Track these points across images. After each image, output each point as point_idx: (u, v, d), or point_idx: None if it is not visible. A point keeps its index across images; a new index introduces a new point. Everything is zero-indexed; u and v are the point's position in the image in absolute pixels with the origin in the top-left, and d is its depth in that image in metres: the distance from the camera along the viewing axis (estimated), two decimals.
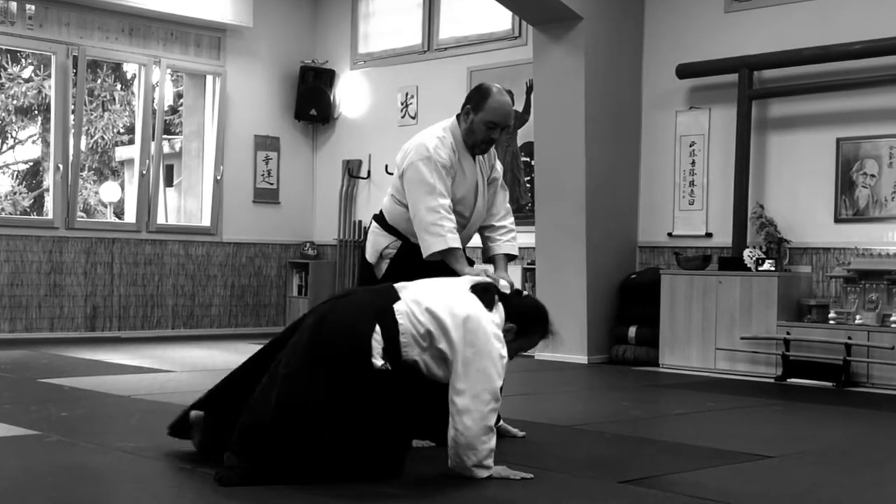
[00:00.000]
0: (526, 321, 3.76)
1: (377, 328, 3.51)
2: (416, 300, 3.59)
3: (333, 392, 3.47)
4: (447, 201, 4.09)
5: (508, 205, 4.50)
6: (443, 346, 3.51)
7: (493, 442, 3.51)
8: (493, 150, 4.42)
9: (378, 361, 3.49)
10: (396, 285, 3.72)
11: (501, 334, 3.59)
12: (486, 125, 4.16)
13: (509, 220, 4.44)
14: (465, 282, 3.75)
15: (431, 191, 4.06)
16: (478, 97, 4.19)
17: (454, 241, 4.05)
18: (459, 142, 4.21)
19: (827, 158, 7.42)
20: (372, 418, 3.49)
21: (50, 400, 5.33)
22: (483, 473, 3.50)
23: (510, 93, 8.64)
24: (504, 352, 3.55)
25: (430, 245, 4.05)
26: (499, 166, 4.47)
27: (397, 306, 3.57)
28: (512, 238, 4.39)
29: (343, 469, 3.50)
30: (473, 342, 3.49)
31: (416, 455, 3.86)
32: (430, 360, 3.55)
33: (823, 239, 7.42)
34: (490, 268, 4.26)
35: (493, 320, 3.58)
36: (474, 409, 3.45)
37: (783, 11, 7.67)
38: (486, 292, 3.65)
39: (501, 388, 3.58)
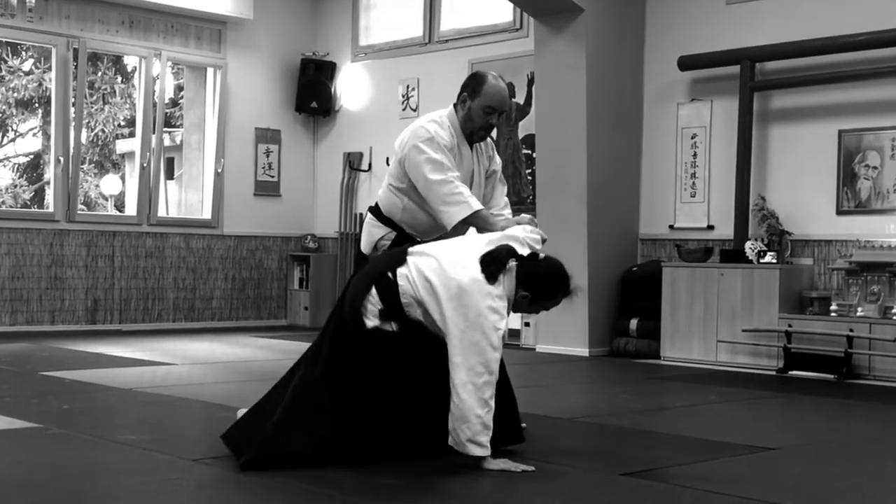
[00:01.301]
0: (540, 289, 3.69)
1: (373, 290, 3.60)
2: (418, 266, 3.62)
3: (335, 359, 3.60)
4: (456, 173, 4.05)
5: (507, 199, 4.47)
6: (436, 317, 3.54)
7: (488, 417, 3.49)
8: (491, 142, 4.41)
9: (371, 322, 3.57)
10: (411, 249, 3.74)
11: (500, 305, 3.53)
12: (483, 110, 4.15)
13: (507, 212, 4.40)
14: (478, 248, 3.66)
15: (439, 166, 4.01)
16: (474, 84, 4.18)
17: (476, 203, 4.01)
18: (457, 129, 4.19)
19: (829, 150, 7.41)
20: (368, 380, 3.58)
21: (51, 393, 5.33)
22: (477, 451, 3.48)
23: (511, 85, 8.63)
24: (501, 324, 3.51)
25: (453, 215, 3.97)
26: (498, 159, 4.44)
27: (400, 269, 3.63)
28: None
29: (339, 439, 3.56)
30: (466, 315, 3.48)
31: (414, 447, 3.86)
32: (432, 324, 3.59)
33: (825, 231, 7.41)
34: (526, 218, 4.09)
35: (490, 292, 3.52)
36: (469, 381, 3.46)
37: (785, 3, 7.65)
38: (492, 264, 3.59)
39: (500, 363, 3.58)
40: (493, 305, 3.51)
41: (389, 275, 3.62)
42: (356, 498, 3.22)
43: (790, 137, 7.64)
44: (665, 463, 3.84)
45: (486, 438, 3.49)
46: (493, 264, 3.58)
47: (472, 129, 4.18)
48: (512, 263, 3.63)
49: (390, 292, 3.59)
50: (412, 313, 3.60)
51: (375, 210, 4.33)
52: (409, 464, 3.66)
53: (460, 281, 3.52)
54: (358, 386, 3.61)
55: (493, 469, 3.54)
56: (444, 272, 3.55)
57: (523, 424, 4.42)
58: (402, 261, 3.67)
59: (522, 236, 3.77)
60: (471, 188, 4.21)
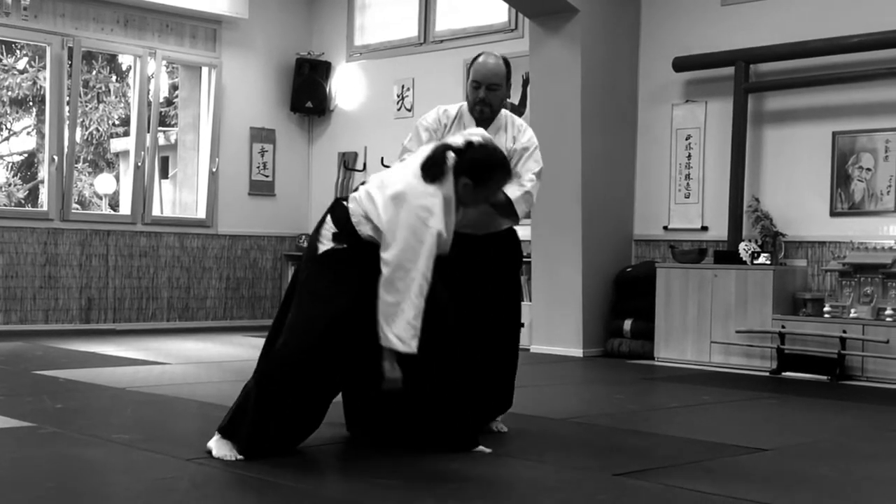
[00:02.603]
0: (478, 172, 3.75)
1: (328, 217, 3.82)
2: (367, 187, 3.80)
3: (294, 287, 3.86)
4: (409, 151, 4.27)
5: (533, 175, 4.27)
6: (377, 223, 3.66)
7: (411, 314, 3.54)
8: (518, 123, 4.43)
9: (324, 245, 3.76)
10: (370, 177, 3.97)
11: (432, 202, 3.61)
12: (472, 86, 4.34)
13: (526, 178, 4.24)
14: (418, 158, 3.81)
15: (401, 152, 4.33)
16: (470, 65, 4.42)
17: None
18: (465, 112, 4.37)
19: (823, 152, 7.43)
20: (318, 295, 3.73)
21: (45, 392, 5.32)
22: (400, 346, 3.53)
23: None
24: (431, 221, 3.58)
25: None
26: (524, 139, 4.37)
27: (353, 193, 3.83)
28: (519, 190, 4.17)
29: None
30: (398, 213, 3.60)
31: (408, 447, 3.86)
32: (379, 235, 3.70)
33: (819, 232, 7.43)
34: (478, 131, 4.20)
35: (425, 191, 3.63)
36: (395, 277, 3.55)
37: (780, 4, 7.67)
38: (433, 166, 3.70)
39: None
40: (425, 203, 3.61)
41: (344, 202, 3.82)
42: (350, 497, 3.22)
43: (784, 139, 7.65)
44: (659, 463, 3.85)
45: (408, 335, 3.54)
46: (433, 166, 3.69)
47: (471, 108, 4.34)
48: (451, 159, 3.71)
49: (342, 214, 3.77)
50: (363, 230, 3.72)
51: None
52: (404, 463, 3.66)
53: (397, 187, 3.66)
54: (316, 305, 3.71)
55: (397, 376, 3.58)
56: (384, 184, 3.72)
57: (504, 429, 4.40)
58: (356, 189, 3.90)
59: (462, 139, 3.91)
60: None
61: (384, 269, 3.57)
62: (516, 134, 4.40)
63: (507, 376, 4.39)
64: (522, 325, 4.82)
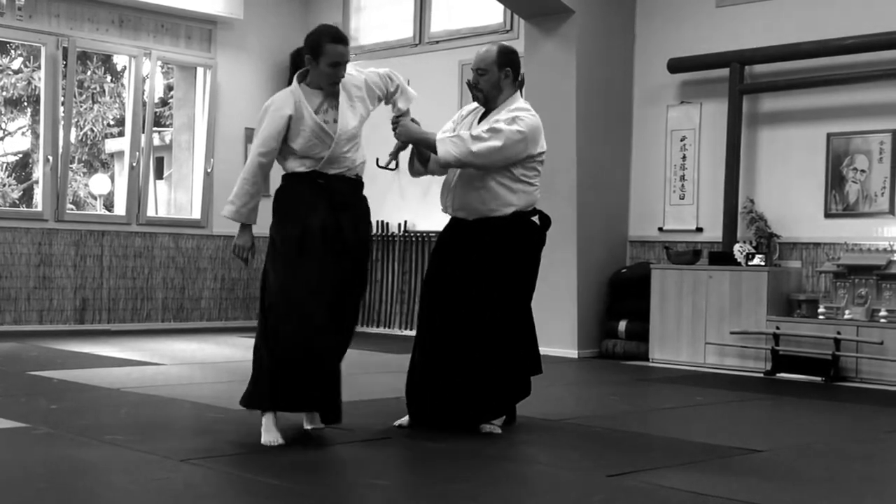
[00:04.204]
0: (312, 46, 4.18)
1: None
2: None
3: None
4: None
5: (479, 130, 4.52)
6: None
7: (240, 191, 4.33)
8: (515, 104, 4.63)
9: None
10: None
11: (276, 96, 4.19)
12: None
13: (473, 130, 4.54)
14: None
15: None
16: None
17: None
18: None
19: (817, 153, 7.44)
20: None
21: (39, 392, 5.32)
22: (224, 211, 4.43)
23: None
24: (272, 108, 4.13)
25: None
26: (503, 116, 4.58)
27: None
28: (450, 134, 4.62)
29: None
30: None
31: (404, 448, 3.86)
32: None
33: (813, 234, 7.44)
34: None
35: (285, 92, 4.20)
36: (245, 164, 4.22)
37: (775, 6, 7.68)
38: (291, 67, 4.32)
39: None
40: (270, 99, 4.19)
41: None
42: (347, 497, 3.23)
43: (779, 140, 7.66)
44: (653, 464, 3.85)
45: (233, 207, 4.44)
46: (292, 67, 4.27)
47: None
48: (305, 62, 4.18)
49: None
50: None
51: None
52: (401, 463, 3.66)
53: None
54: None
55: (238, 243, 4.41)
56: None
57: (498, 430, 4.38)
58: None
59: None
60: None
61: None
62: (503, 113, 4.49)
63: (506, 368, 4.39)
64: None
